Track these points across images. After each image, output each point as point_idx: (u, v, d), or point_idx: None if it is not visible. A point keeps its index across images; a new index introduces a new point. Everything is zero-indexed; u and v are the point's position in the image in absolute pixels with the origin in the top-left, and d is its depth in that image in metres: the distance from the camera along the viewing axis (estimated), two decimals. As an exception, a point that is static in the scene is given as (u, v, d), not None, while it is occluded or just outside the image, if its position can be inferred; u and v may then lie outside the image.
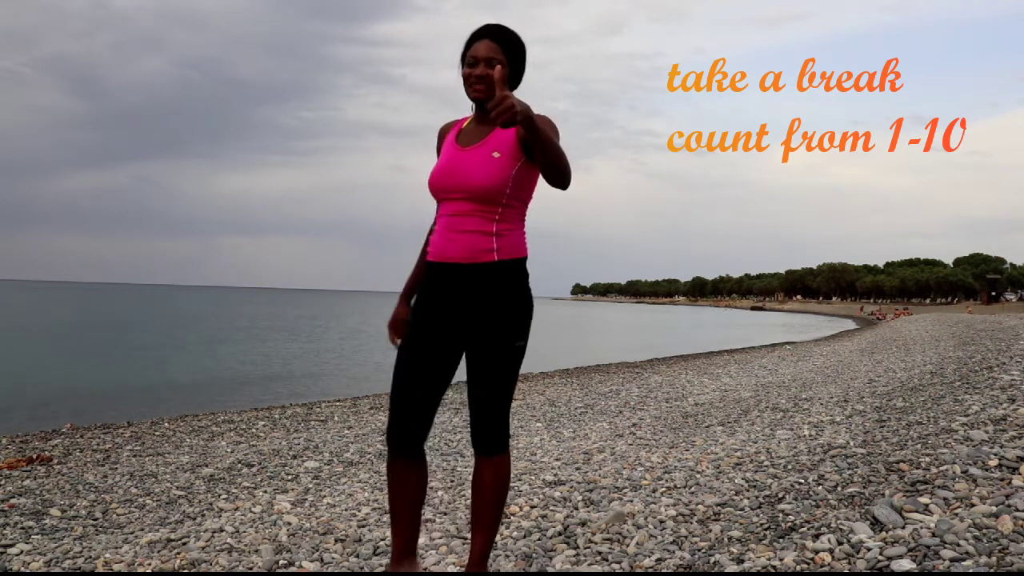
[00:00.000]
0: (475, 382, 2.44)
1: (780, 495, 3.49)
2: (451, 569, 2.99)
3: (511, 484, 4.45)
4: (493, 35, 2.36)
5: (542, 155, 2.18)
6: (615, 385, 12.51)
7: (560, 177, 2.24)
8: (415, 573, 2.57)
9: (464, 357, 2.48)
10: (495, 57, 2.33)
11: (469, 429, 2.52)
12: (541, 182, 2.42)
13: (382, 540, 3.44)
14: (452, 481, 4.86)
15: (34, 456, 7.21)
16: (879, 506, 2.88)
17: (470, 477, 4.89)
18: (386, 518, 3.95)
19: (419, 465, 2.51)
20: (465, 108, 2.51)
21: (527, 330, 2.47)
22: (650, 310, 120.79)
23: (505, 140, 2.36)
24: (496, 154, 2.35)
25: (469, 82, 2.35)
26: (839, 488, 3.44)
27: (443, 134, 2.53)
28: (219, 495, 5.24)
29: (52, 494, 5.55)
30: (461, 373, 2.52)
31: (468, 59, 2.36)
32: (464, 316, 2.40)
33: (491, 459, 2.47)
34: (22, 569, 3.61)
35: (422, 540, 3.40)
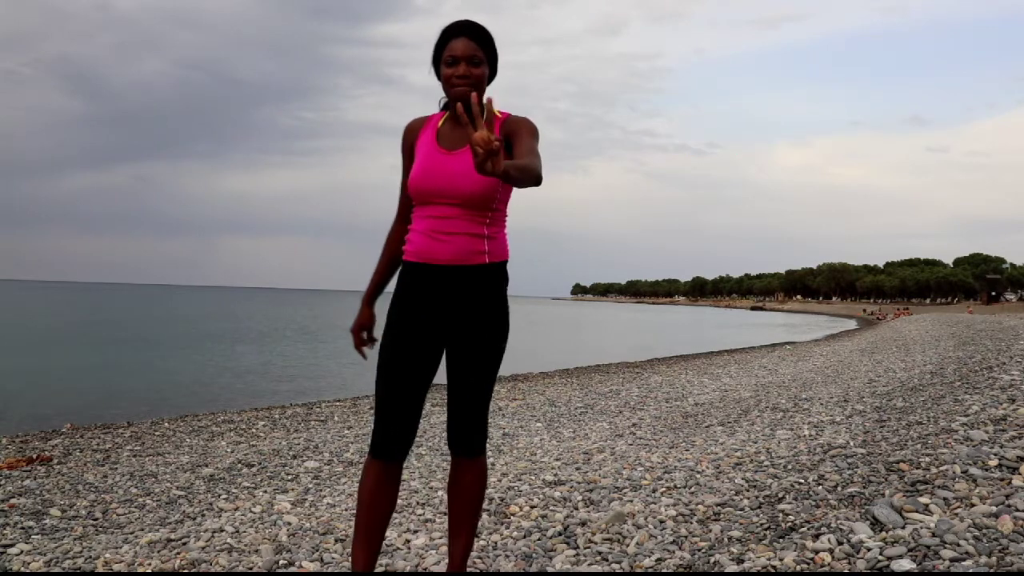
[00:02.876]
0: (461, 383, 2.40)
1: (780, 495, 3.49)
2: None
3: (511, 484, 4.46)
4: (469, 32, 2.31)
5: (520, 183, 2.16)
6: (615, 385, 12.51)
7: (533, 184, 2.23)
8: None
9: (445, 358, 2.43)
10: (475, 55, 2.29)
11: (447, 431, 2.48)
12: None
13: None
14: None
15: (34, 456, 7.21)
16: (879, 506, 2.88)
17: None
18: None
19: (399, 475, 2.45)
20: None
21: (507, 332, 2.43)
22: (650, 310, 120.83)
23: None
24: None
25: (451, 83, 2.31)
26: (839, 488, 3.44)
27: (414, 131, 2.45)
28: (219, 495, 5.24)
29: (52, 494, 5.54)
30: (439, 377, 2.47)
31: (447, 58, 2.31)
32: (449, 317, 2.35)
33: (474, 460, 2.47)
34: (22, 569, 3.61)
35: (422, 540, 3.41)
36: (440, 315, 2.35)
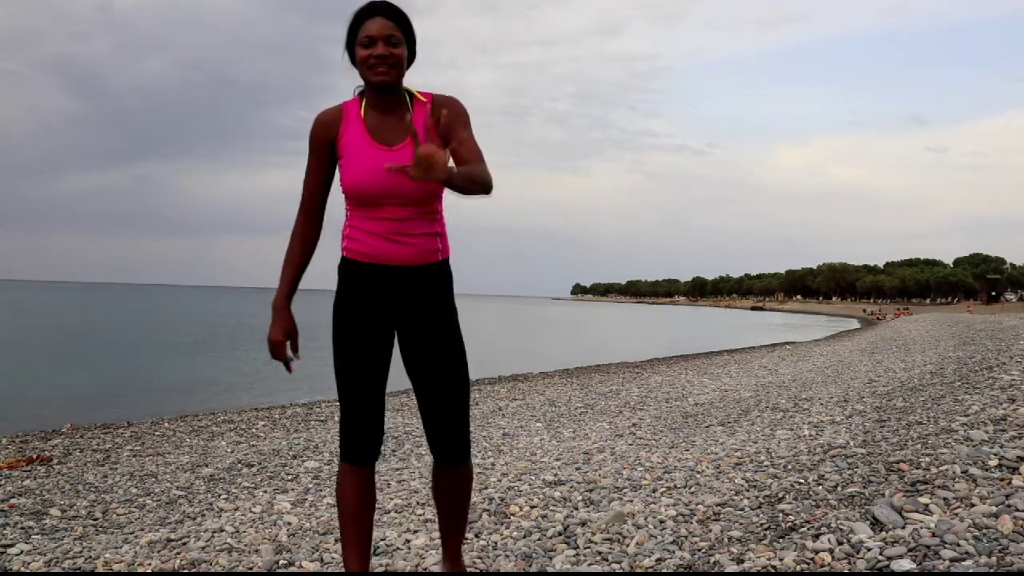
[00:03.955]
0: (436, 386, 2.31)
1: (780, 495, 3.49)
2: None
3: (511, 484, 4.46)
4: (385, 12, 2.19)
5: (467, 192, 2.12)
6: (615, 385, 12.50)
7: (483, 193, 2.18)
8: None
9: (407, 366, 2.35)
10: (393, 34, 2.17)
11: (427, 439, 2.39)
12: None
13: (382, 540, 3.44)
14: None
15: (34, 456, 7.21)
16: (879, 506, 2.88)
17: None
18: (386, 517, 3.95)
19: (373, 475, 2.41)
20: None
21: (459, 326, 2.37)
22: (650, 310, 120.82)
23: (427, 129, 2.17)
24: None
25: (368, 64, 2.17)
26: (839, 488, 3.44)
27: (331, 125, 2.28)
28: (219, 495, 5.24)
29: (52, 494, 5.54)
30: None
31: (363, 40, 2.17)
32: (401, 316, 2.29)
33: (460, 466, 2.38)
34: (22, 569, 3.61)
35: (422, 540, 3.41)
36: (392, 314, 2.30)
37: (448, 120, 2.21)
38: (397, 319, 2.31)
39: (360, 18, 2.21)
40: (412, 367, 2.34)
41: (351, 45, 2.23)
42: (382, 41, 2.16)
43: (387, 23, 2.18)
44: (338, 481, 2.38)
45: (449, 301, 2.34)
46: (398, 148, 2.21)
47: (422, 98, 2.29)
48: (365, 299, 2.29)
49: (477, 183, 2.13)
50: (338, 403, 2.38)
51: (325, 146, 2.29)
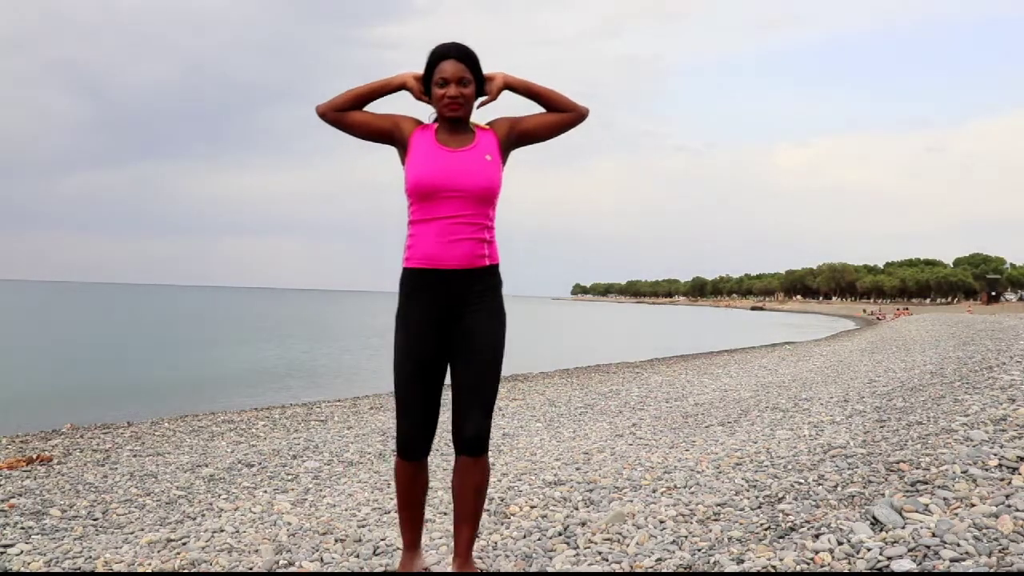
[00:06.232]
0: (470, 383, 2.53)
1: (780, 495, 3.49)
2: (452, 568, 2.99)
3: (511, 484, 4.46)
4: (458, 55, 2.51)
5: (548, 101, 2.60)
6: (615, 385, 12.50)
7: (571, 105, 2.62)
8: (425, 574, 2.65)
9: (455, 360, 2.57)
10: (464, 76, 2.50)
11: (451, 431, 2.59)
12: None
13: (382, 540, 3.44)
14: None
15: (34, 456, 7.20)
16: (879, 506, 2.88)
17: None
18: (386, 518, 3.96)
19: (426, 465, 2.67)
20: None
21: (505, 330, 2.60)
22: (650, 310, 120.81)
23: (492, 145, 2.56)
24: (488, 157, 2.52)
25: (443, 103, 2.51)
26: (839, 488, 3.44)
27: (412, 124, 2.59)
28: (219, 495, 5.24)
29: (52, 494, 5.54)
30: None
31: (438, 80, 2.51)
32: (455, 316, 2.52)
33: (479, 459, 2.56)
34: (22, 569, 3.61)
35: (422, 540, 3.41)
36: (447, 316, 2.52)
37: (510, 121, 2.63)
38: (449, 320, 2.52)
39: (436, 58, 2.52)
40: (456, 364, 2.56)
41: (427, 81, 2.55)
42: (454, 83, 2.49)
43: (459, 66, 2.50)
44: (394, 471, 2.69)
45: (497, 304, 2.58)
46: (460, 150, 2.52)
47: (485, 127, 2.62)
48: (420, 304, 2.53)
49: (551, 93, 2.60)
50: (394, 403, 2.62)
51: (398, 124, 2.59)
